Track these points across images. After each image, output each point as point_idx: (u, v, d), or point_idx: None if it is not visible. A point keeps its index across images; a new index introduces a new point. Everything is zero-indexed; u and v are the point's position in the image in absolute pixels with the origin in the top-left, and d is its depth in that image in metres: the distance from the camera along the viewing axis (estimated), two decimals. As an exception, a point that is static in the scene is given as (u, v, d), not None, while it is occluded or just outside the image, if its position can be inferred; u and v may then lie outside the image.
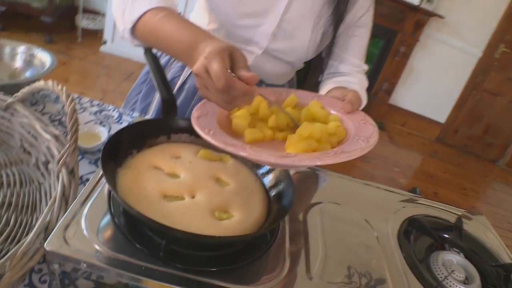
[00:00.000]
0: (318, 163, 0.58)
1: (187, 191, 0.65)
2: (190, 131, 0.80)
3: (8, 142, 0.92)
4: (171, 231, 0.53)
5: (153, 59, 0.83)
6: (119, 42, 4.13)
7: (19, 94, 0.90)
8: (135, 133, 0.74)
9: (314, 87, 1.19)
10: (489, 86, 4.66)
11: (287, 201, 0.67)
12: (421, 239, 0.86)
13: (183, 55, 0.77)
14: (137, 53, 3.95)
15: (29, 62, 1.19)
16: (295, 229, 0.73)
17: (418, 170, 4.16)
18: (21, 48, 1.19)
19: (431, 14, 4.21)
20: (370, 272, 0.71)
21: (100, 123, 1.09)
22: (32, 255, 0.59)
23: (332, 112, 0.77)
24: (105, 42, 4.20)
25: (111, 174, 0.64)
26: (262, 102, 0.74)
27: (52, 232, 0.58)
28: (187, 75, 1.16)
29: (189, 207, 0.63)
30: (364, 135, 0.67)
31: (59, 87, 0.83)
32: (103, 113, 1.14)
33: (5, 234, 0.71)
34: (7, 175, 0.83)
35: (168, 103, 0.78)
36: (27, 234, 0.68)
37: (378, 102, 4.76)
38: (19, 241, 0.71)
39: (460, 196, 3.83)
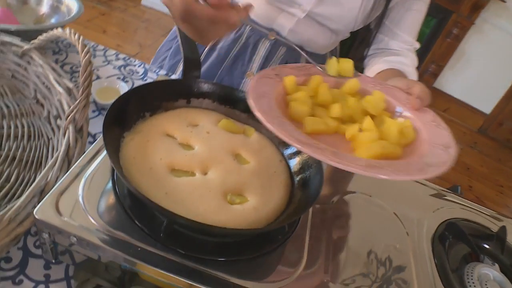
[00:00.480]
0: (406, 178, 0.49)
1: (199, 166, 0.57)
2: (213, 96, 0.71)
3: (22, 92, 0.86)
4: (171, 216, 0.45)
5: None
6: (162, -3, 4.03)
7: (36, 41, 0.83)
8: (150, 93, 0.65)
9: (359, 62, 1.08)
10: (544, 80, 4.33)
11: (313, 191, 0.58)
12: (457, 246, 0.75)
13: None
14: (179, 10, 3.84)
15: (56, 8, 1.12)
16: (318, 220, 0.65)
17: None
18: (48, -7, 1.13)
19: (492, -4, 3.90)
20: (396, 278, 0.62)
21: (123, 79, 1.01)
22: (22, 220, 0.53)
23: (394, 101, 0.67)
24: (147, -4, 4.11)
25: (115, 139, 0.57)
26: (321, 84, 0.64)
27: (45, 198, 0.52)
28: (221, 33, 1.06)
29: (198, 185, 0.54)
30: (439, 141, 0.57)
31: (76, 36, 0.75)
32: (128, 68, 1.07)
33: (4, 191, 0.65)
34: (16, 127, 0.77)
35: (191, 63, 0.70)
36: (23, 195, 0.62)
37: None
38: (17, 199, 0.65)
39: (496, 193, 3.63)
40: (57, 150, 0.74)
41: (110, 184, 0.56)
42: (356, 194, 0.75)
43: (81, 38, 0.75)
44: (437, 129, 0.61)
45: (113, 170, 0.57)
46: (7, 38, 0.83)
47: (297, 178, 0.64)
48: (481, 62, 4.41)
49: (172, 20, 0.61)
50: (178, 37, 0.71)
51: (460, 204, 0.87)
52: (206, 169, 0.58)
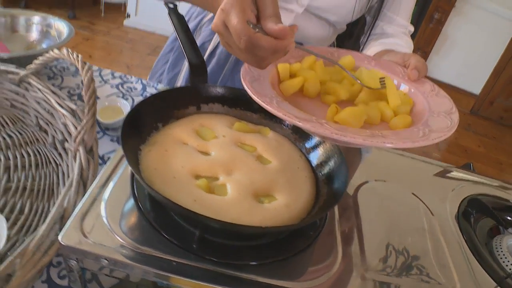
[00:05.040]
0: (411, 145, 0.49)
1: (222, 169, 0.55)
2: (223, 100, 0.70)
3: (23, 120, 0.84)
4: (207, 221, 0.43)
5: (179, 19, 0.72)
6: (143, 16, 4.01)
7: (32, 66, 0.81)
8: (160, 104, 0.63)
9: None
10: (530, 54, 4.33)
11: (340, 183, 0.56)
12: (481, 221, 0.75)
13: (207, 3, 0.65)
14: (161, 26, 3.84)
15: (46, 33, 1.11)
16: (343, 213, 0.63)
17: (452, 144, 3.95)
18: (36, 19, 1.11)
19: (469, -24, 3.92)
20: (432, 259, 0.61)
21: (123, 96, 0.99)
22: (46, 249, 0.51)
23: (391, 75, 0.67)
24: (128, 16, 4.09)
25: (132, 152, 0.54)
26: (316, 63, 0.65)
27: (68, 223, 0.50)
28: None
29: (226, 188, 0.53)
30: (441, 109, 0.57)
31: (74, 55, 0.73)
32: (126, 85, 1.05)
33: (19, 223, 0.63)
34: (22, 156, 0.75)
35: (197, 68, 0.68)
36: (43, 223, 0.59)
37: (411, 71, 4.52)
38: (34, 230, 0.63)
39: (497, 171, 3.62)
40: (67, 175, 0.72)
41: (131, 201, 0.54)
42: (369, 183, 0.74)
43: (80, 56, 0.73)
44: (437, 98, 0.62)
45: (133, 187, 0.55)
46: (1, 67, 0.81)
47: (321, 172, 0.62)
48: (465, 44, 4.41)
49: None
50: (180, 44, 0.69)
51: (475, 180, 0.86)
52: (230, 172, 0.56)
